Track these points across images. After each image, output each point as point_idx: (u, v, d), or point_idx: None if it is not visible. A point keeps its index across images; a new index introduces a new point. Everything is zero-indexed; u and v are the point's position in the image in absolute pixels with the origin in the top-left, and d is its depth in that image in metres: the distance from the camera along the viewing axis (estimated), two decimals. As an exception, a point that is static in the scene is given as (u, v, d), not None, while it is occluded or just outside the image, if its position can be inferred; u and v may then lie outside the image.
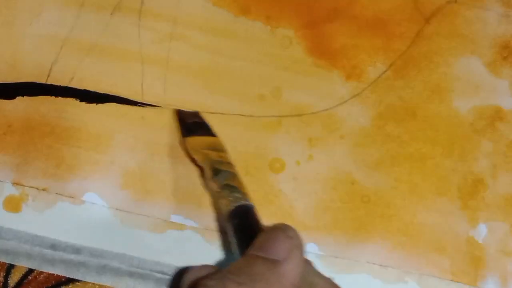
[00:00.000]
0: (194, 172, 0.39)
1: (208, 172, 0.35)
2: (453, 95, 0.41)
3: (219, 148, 0.37)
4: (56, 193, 0.38)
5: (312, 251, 0.38)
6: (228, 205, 0.33)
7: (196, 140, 0.37)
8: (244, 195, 0.34)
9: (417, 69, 0.41)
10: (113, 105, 0.40)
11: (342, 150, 0.40)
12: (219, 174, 0.35)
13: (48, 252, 0.37)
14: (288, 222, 0.37)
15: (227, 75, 0.41)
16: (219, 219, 0.37)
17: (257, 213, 0.33)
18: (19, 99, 0.39)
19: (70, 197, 0.38)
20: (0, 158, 0.38)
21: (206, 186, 0.37)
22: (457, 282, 0.38)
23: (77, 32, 0.41)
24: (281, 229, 0.26)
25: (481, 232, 0.39)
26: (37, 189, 0.38)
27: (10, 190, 0.38)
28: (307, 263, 0.26)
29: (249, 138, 0.40)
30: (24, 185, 0.38)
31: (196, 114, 0.39)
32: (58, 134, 0.39)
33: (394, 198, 0.39)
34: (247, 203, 0.33)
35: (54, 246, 0.37)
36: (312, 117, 0.40)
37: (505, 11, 0.43)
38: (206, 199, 0.38)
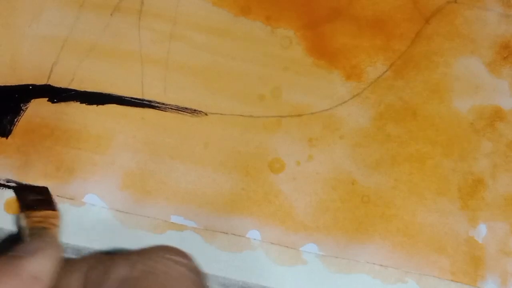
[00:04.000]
0: (194, 172, 0.39)
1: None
2: (453, 95, 0.41)
3: (52, 221, 0.36)
4: (57, 195, 0.38)
5: (312, 251, 0.38)
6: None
7: (34, 213, 0.36)
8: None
9: (417, 69, 0.41)
10: (113, 106, 0.40)
11: (342, 150, 0.40)
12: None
13: (49, 253, 0.37)
14: (288, 222, 0.38)
15: (227, 75, 0.41)
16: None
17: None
18: (19, 100, 0.40)
19: (71, 198, 0.38)
20: (0, 160, 0.38)
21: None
22: (457, 282, 0.38)
23: (77, 33, 0.41)
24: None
25: (481, 232, 0.39)
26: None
27: (11, 192, 0.38)
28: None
29: (249, 139, 0.40)
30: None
31: (42, 190, 0.38)
32: (58, 136, 0.39)
33: (394, 198, 0.39)
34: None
35: (55, 247, 0.37)
36: (312, 117, 0.40)
37: (505, 11, 0.42)
38: (206, 200, 0.38)
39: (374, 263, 0.38)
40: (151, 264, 0.23)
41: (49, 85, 0.40)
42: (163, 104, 0.40)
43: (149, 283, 0.22)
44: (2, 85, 0.40)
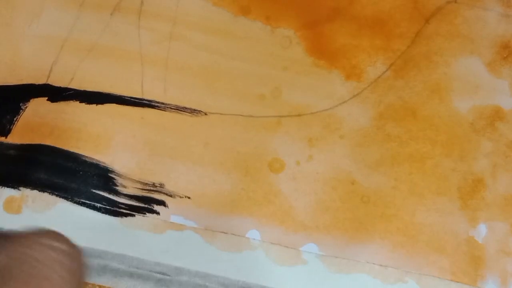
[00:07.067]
0: (194, 172, 0.39)
1: None
2: (453, 95, 0.41)
3: None
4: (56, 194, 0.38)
5: (312, 251, 0.38)
6: None
7: None
8: None
9: (417, 69, 0.41)
10: (112, 106, 0.40)
11: (342, 150, 0.40)
12: None
13: (49, 253, 0.37)
14: (288, 222, 0.38)
15: (227, 75, 0.41)
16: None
17: None
18: (19, 100, 0.39)
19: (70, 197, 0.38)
20: None
21: None
22: (457, 282, 0.38)
23: (77, 32, 0.41)
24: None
25: (481, 232, 0.39)
26: (38, 190, 0.38)
27: (10, 191, 0.38)
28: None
29: (249, 138, 0.40)
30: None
31: None
32: (57, 135, 0.39)
33: (394, 198, 0.39)
34: None
35: (54, 247, 0.37)
36: (312, 117, 0.40)
37: (505, 11, 0.43)
38: (206, 200, 0.38)
39: (374, 263, 0.38)
40: (24, 251, 0.21)
41: (48, 84, 0.40)
42: (163, 103, 0.40)
43: (17, 272, 0.21)
44: (2, 84, 0.40)
